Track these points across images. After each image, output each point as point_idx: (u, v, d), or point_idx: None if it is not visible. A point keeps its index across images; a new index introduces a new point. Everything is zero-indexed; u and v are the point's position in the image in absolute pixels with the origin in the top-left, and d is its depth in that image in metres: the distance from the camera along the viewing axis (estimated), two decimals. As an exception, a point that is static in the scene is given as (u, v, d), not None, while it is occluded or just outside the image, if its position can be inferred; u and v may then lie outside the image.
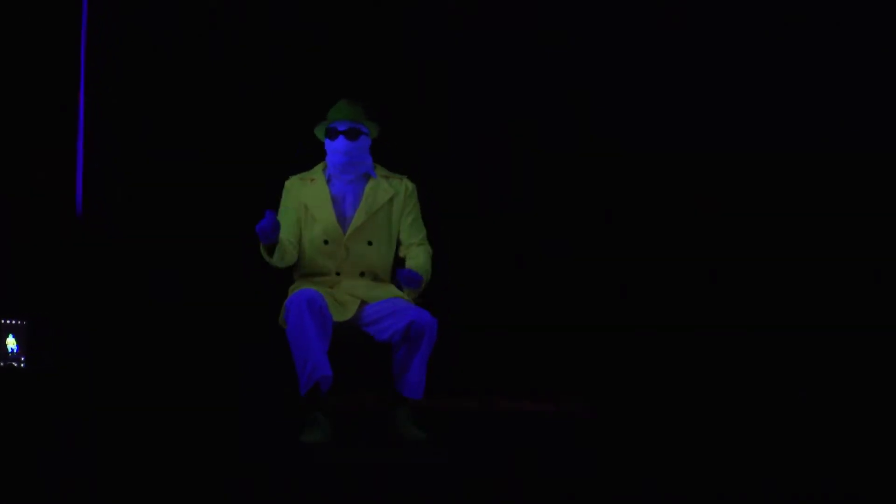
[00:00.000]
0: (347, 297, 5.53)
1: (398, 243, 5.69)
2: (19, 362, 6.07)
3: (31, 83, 6.33)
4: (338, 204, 5.64)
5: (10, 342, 6.10)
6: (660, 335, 6.54)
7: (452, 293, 6.34)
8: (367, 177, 5.67)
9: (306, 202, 5.63)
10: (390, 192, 5.64)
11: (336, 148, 5.59)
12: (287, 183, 5.71)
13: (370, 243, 5.61)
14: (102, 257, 6.38)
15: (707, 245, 6.55)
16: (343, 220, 5.62)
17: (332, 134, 5.60)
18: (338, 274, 5.60)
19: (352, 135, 5.57)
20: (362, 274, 5.61)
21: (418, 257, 5.64)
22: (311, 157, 5.75)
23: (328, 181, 5.66)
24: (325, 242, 5.58)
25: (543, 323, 6.62)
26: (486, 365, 6.59)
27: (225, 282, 6.49)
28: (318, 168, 5.71)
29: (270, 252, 5.45)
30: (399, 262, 5.68)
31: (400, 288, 5.54)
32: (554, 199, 6.66)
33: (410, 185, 5.70)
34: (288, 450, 5.21)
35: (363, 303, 5.53)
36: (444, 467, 5.02)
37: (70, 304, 6.30)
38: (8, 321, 6.09)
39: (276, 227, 5.33)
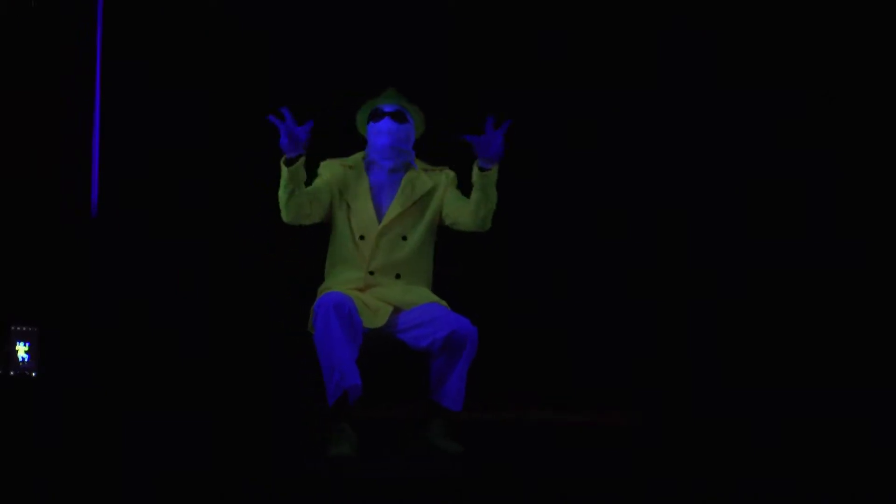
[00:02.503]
0: (379, 302, 5.23)
1: (438, 233, 5.39)
2: (31, 371, 5.92)
3: (45, 84, 6.32)
4: (374, 195, 5.33)
5: (21, 350, 5.93)
6: (709, 343, 6.51)
7: (488, 298, 6.27)
8: (406, 167, 5.36)
9: (342, 187, 5.32)
10: (429, 183, 5.35)
11: (380, 129, 5.28)
12: (322, 162, 5.40)
13: (405, 238, 5.30)
14: (117, 260, 6.35)
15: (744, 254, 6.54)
16: (379, 212, 5.31)
17: (376, 115, 5.31)
18: (371, 273, 5.28)
19: (398, 117, 5.30)
20: (398, 276, 5.29)
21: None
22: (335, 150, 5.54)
23: (367, 169, 5.36)
24: (361, 238, 5.28)
25: (583, 328, 6.58)
26: (525, 373, 6.53)
27: (249, 285, 6.44)
28: (357, 156, 5.41)
29: (290, 165, 5.06)
30: (436, 262, 5.41)
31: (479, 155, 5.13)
32: (585, 203, 6.65)
33: (451, 174, 5.41)
34: (314, 463, 4.99)
35: (396, 308, 5.23)
36: (481, 482, 4.77)
37: (83, 309, 6.26)
38: (19, 328, 5.94)
39: (305, 136, 5.04)
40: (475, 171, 5.21)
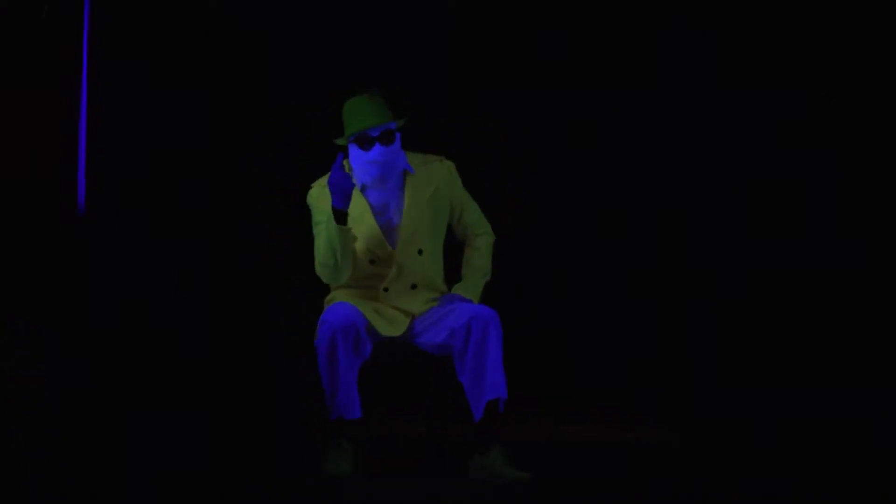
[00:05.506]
0: (396, 311, 4.91)
1: (448, 229, 5.07)
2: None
3: (31, 79, 6.29)
4: (380, 214, 4.93)
5: None
6: (709, 343, 6.45)
7: (514, 303, 6.14)
8: (405, 174, 4.96)
9: None
10: (431, 184, 4.97)
11: (373, 158, 4.85)
12: (312, 192, 5.01)
13: (420, 252, 4.95)
14: (106, 258, 6.32)
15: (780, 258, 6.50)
16: (389, 230, 4.93)
17: (364, 143, 4.85)
18: (385, 290, 4.94)
19: (386, 138, 4.86)
20: (414, 286, 4.97)
21: (474, 259, 5.05)
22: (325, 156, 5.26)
23: (362, 190, 4.94)
24: (372, 262, 4.91)
25: (583, 329, 6.49)
26: (555, 385, 6.45)
27: (249, 285, 6.38)
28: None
29: (342, 220, 4.68)
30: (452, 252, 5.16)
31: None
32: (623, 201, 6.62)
33: (451, 166, 5.07)
34: (306, 479, 4.75)
35: (413, 317, 4.92)
36: None
37: (70, 308, 6.23)
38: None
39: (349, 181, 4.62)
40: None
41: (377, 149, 4.87)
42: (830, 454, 5.42)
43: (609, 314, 6.57)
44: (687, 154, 6.59)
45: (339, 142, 4.98)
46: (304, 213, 5.27)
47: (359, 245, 4.92)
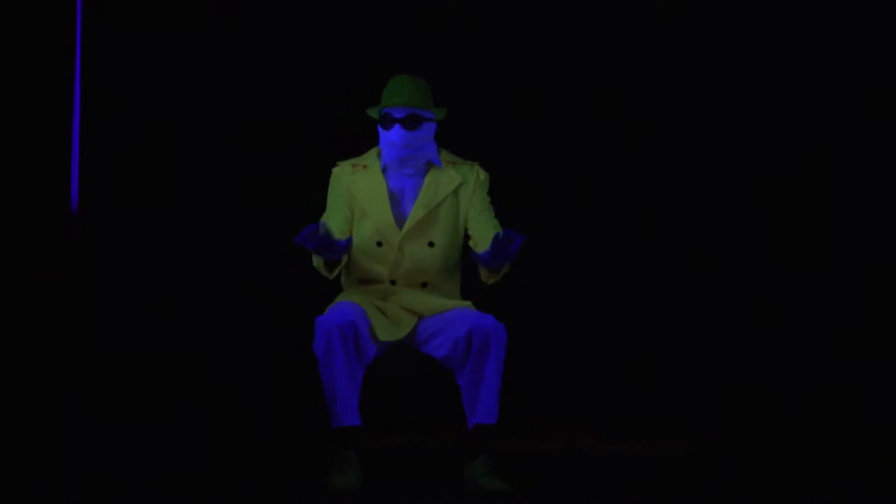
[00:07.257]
0: (402, 312, 4.72)
1: (465, 239, 4.86)
2: None
3: (25, 77, 6.26)
4: (395, 199, 4.78)
5: None
6: (779, 363, 6.37)
7: (524, 307, 5.97)
8: (429, 166, 4.82)
9: (356, 193, 4.78)
10: (456, 180, 4.79)
11: (391, 139, 4.72)
12: (335, 170, 4.87)
13: (431, 244, 4.75)
14: (99, 257, 6.28)
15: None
16: (400, 217, 4.76)
17: (386, 122, 4.73)
18: (393, 283, 4.78)
19: (410, 123, 4.70)
20: (424, 285, 4.79)
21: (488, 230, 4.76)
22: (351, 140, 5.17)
23: (384, 171, 4.82)
24: (379, 244, 4.75)
25: (637, 345, 6.41)
26: (570, 397, 6.37)
27: (250, 285, 6.34)
28: (372, 153, 4.88)
29: (330, 267, 4.65)
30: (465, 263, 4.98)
31: (487, 258, 4.53)
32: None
33: (483, 174, 4.85)
34: (310, 495, 4.56)
35: (421, 318, 4.73)
36: None
37: (65, 307, 6.20)
38: None
39: (344, 243, 4.52)
40: (482, 271, 4.75)
41: (396, 131, 4.74)
42: (830, 454, 5.42)
43: (608, 315, 6.55)
44: (690, 154, 6.58)
45: (371, 112, 4.84)
46: (304, 215, 5.22)
47: (368, 226, 4.79)
